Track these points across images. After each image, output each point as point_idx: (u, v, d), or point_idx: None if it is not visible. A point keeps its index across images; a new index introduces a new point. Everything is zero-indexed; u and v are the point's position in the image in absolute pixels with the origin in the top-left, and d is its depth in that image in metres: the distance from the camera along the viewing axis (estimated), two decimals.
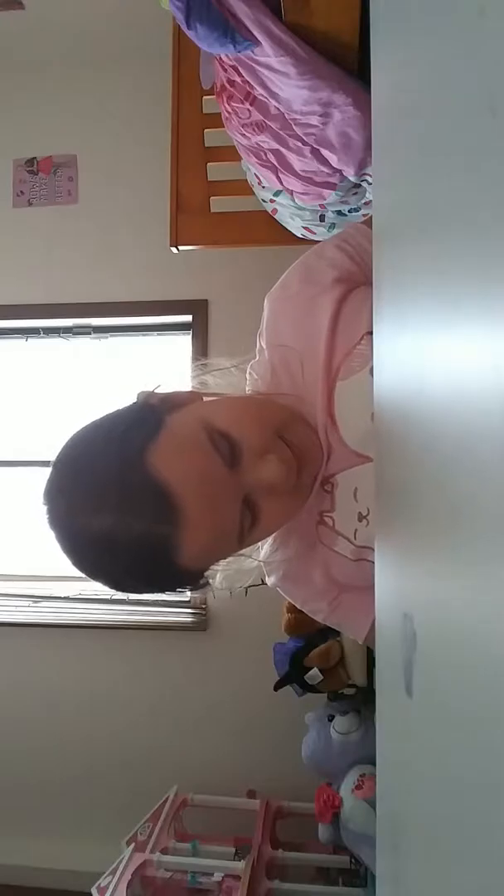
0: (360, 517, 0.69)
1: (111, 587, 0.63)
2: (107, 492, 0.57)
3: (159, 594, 0.68)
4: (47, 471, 0.63)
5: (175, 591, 0.68)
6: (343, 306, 0.71)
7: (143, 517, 0.56)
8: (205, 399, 0.71)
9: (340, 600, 0.73)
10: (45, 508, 0.61)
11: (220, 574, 0.74)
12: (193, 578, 0.65)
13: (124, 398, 0.68)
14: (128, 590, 0.66)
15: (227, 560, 0.73)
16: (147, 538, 0.56)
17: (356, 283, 0.73)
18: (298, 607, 0.77)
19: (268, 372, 0.74)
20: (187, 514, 0.56)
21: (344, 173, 1.34)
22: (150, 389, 0.68)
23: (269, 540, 0.75)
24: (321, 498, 0.71)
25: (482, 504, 0.20)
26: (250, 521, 0.62)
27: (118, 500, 0.57)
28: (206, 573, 0.68)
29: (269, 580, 0.77)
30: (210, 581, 0.71)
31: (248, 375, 0.76)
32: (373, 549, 0.68)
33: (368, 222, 0.75)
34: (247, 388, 0.76)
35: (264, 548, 0.76)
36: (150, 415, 0.63)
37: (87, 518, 0.58)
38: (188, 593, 2.54)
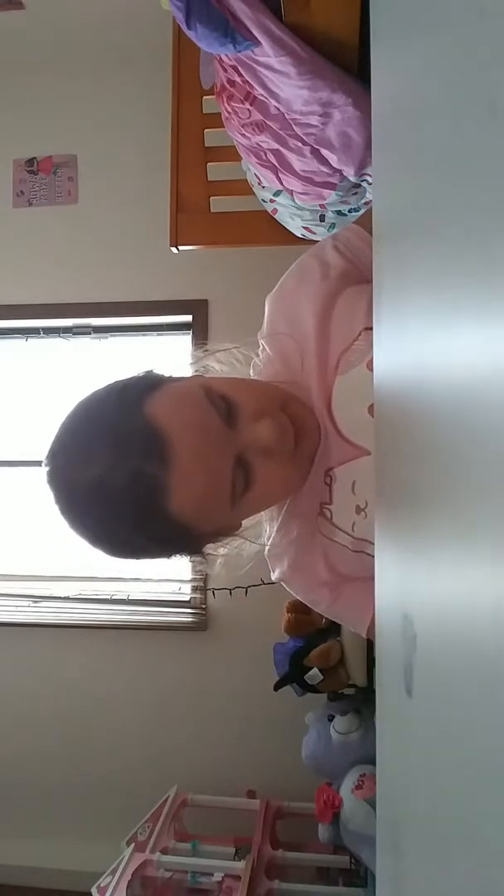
0: (358, 510, 0.70)
1: (103, 546, 0.63)
2: (102, 438, 0.59)
3: (152, 557, 0.66)
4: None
5: (168, 552, 0.67)
6: (336, 301, 0.72)
7: (134, 457, 0.57)
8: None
9: (341, 591, 0.73)
10: (45, 469, 0.62)
11: (220, 559, 0.74)
12: (186, 538, 0.64)
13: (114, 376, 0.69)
14: (120, 548, 0.65)
15: (228, 545, 0.73)
16: (138, 478, 0.57)
17: (351, 280, 0.75)
18: (301, 599, 0.77)
19: (268, 362, 0.76)
20: (178, 456, 0.57)
21: (344, 173, 1.34)
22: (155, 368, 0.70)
23: (275, 526, 0.75)
24: (322, 489, 0.72)
25: (483, 503, 0.20)
26: (244, 483, 0.62)
27: (112, 443, 0.58)
28: (203, 543, 0.68)
29: (274, 574, 0.77)
30: (209, 557, 0.72)
31: (251, 369, 0.77)
32: (371, 543, 0.68)
33: (366, 214, 0.76)
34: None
35: (271, 535, 0.76)
36: (151, 378, 0.65)
37: (82, 466, 0.59)
38: (188, 588, 2.55)
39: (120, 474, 0.57)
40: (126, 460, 0.57)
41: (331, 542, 0.72)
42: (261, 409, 0.63)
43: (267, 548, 0.76)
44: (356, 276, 0.75)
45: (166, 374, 0.68)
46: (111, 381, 0.66)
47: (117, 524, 0.61)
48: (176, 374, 0.69)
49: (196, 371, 0.76)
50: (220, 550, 0.73)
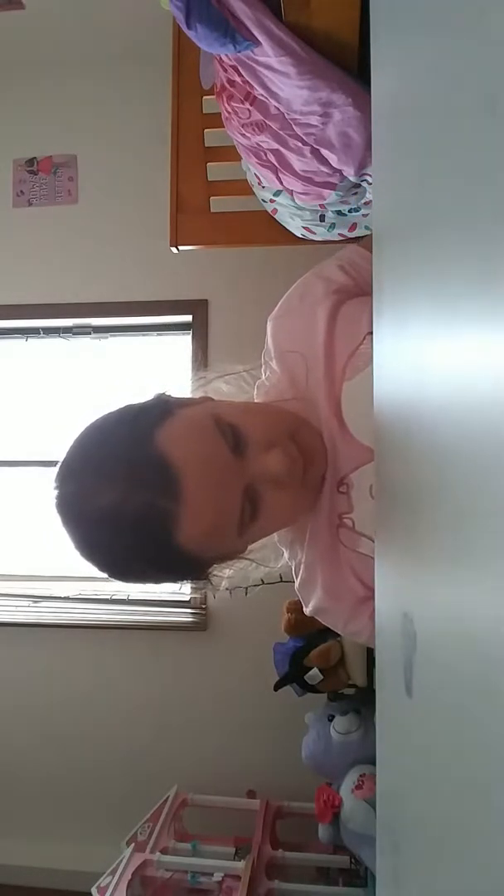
0: None
1: (112, 573, 0.64)
2: (114, 469, 0.60)
3: (159, 584, 0.67)
4: (50, 470, 0.64)
5: (175, 579, 0.68)
6: (340, 311, 0.73)
7: (145, 490, 0.58)
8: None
9: None
10: (54, 493, 0.62)
11: (225, 581, 0.74)
12: (194, 566, 0.65)
13: (124, 398, 0.69)
14: (129, 575, 0.66)
15: (234, 567, 0.73)
16: (148, 510, 0.58)
17: (353, 294, 0.76)
18: (340, 631, 0.75)
19: (276, 381, 0.76)
20: (188, 489, 0.57)
21: (344, 173, 1.34)
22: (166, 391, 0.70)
23: (298, 552, 0.75)
24: (337, 500, 0.72)
25: (481, 504, 0.20)
26: (252, 512, 0.63)
27: (124, 475, 0.59)
28: (209, 569, 0.68)
29: (308, 608, 0.75)
30: (213, 580, 0.71)
31: (255, 389, 0.78)
32: None
33: (367, 243, 0.76)
34: (255, 399, 0.78)
35: (291, 561, 0.76)
36: (162, 404, 0.65)
37: (93, 496, 0.59)
38: (188, 588, 2.54)
39: (131, 506, 0.58)
40: (137, 493, 0.58)
41: (356, 555, 0.71)
42: (270, 439, 0.64)
43: (296, 583, 0.75)
44: (358, 291, 0.76)
45: (177, 396, 0.68)
46: (124, 405, 0.66)
47: (125, 554, 0.61)
48: (187, 397, 0.70)
49: (205, 393, 0.76)
50: (225, 572, 0.73)
